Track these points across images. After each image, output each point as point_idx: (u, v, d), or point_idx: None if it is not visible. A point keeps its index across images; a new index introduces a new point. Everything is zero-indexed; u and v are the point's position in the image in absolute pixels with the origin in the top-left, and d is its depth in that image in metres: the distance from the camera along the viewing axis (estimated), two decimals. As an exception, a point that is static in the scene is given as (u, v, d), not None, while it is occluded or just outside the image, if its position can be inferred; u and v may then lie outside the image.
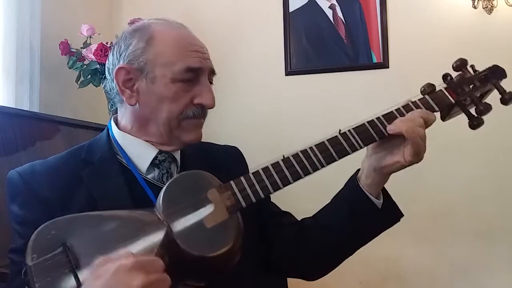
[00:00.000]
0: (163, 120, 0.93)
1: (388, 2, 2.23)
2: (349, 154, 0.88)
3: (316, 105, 2.31)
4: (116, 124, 1.01)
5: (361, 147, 0.89)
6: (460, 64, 0.94)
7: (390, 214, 0.96)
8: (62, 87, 2.24)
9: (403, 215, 0.97)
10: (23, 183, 0.90)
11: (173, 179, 0.86)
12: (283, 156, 0.88)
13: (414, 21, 2.20)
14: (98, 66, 2.09)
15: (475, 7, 2.05)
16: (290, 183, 0.87)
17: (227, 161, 1.07)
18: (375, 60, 2.24)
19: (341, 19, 2.31)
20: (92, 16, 2.44)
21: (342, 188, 0.99)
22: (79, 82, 2.18)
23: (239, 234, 0.81)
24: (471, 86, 0.92)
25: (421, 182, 2.08)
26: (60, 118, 1.86)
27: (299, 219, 1.08)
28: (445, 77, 0.94)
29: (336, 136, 0.89)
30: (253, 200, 0.84)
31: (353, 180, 0.96)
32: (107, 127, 1.01)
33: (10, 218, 0.91)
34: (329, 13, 2.32)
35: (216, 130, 2.37)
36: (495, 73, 0.92)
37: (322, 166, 0.87)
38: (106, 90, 2.16)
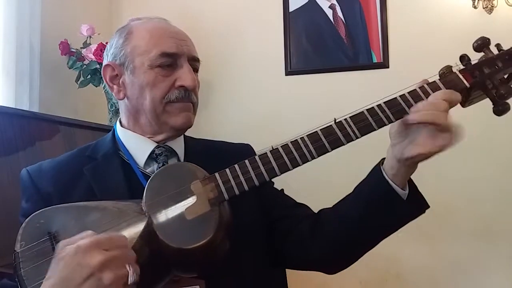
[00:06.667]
0: (148, 107, 0.97)
1: (388, 2, 2.23)
2: (343, 144, 0.83)
3: (316, 105, 2.30)
4: (120, 122, 1.05)
5: (357, 137, 0.83)
6: (481, 44, 0.83)
7: (415, 205, 0.90)
8: (62, 87, 2.24)
9: (428, 207, 0.92)
10: (30, 180, 0.97)
11: (158, 170, 0.88)
12: (272, 147, 0.85)
13: (414, 21, 2.19)
14: (98, 66, 2.10)
15: (475, 7, 2.05)
16: (277, 175, 0.84)
17: (236, 159, 1.04)
18: (375, 60, 2.24)
19: (341, 19, 2.31)
20: (92, 16, 2.44)
21: (365, 178, 0.94)
22: (79, 82, 2.18)
23: (220, 227, 0.80)
24: (495, 67, 0.81)
25: (420, 182, 2.05)
26: (60, 118, 1.85)
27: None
28: (462, 58, 0.84)
29: (331, 125, 0.84)
30: (236, 192, 0.82)
31: (377, 170, 0.90)
32: (114, 126, 1.07)
33: (19, 211, 0.97)
34: (329, 13, 2.32)
35: (216, 130, 2.38)
36: None
37: (313, 158, 0.83)
38: (106, 90, 2.17)
